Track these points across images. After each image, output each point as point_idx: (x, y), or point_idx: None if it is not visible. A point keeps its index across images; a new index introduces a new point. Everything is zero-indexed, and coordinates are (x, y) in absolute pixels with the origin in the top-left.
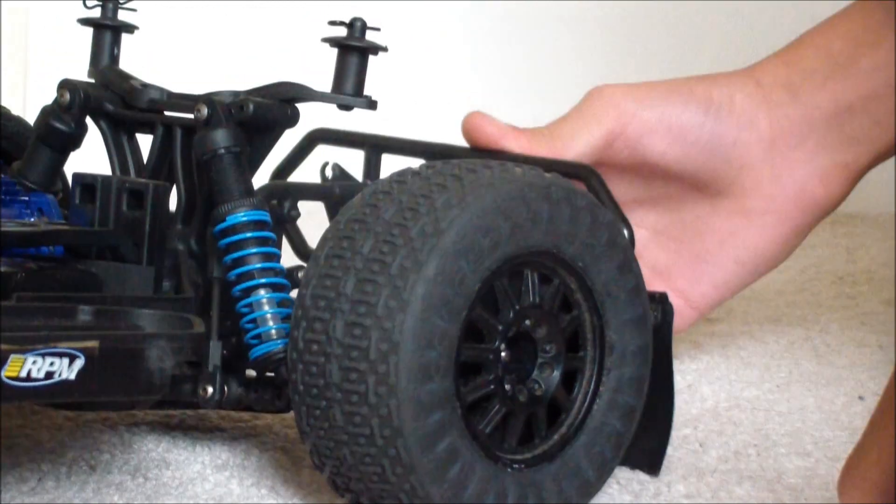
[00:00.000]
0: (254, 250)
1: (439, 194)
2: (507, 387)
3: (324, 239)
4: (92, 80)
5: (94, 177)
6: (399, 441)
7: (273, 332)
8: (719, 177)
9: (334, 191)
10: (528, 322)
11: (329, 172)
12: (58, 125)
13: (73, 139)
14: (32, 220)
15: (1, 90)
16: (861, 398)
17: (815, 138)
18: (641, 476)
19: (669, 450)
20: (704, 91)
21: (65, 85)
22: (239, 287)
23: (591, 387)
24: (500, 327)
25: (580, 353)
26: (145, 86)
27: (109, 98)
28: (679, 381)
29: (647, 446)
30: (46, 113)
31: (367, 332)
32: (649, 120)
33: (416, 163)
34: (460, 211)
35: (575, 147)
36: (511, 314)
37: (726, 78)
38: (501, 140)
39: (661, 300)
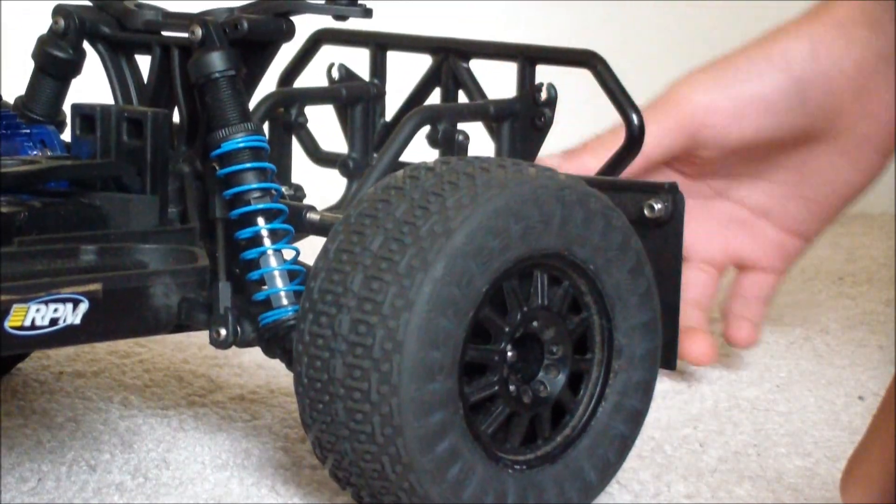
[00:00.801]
0: (254, 186)
1: (451, 193)
2: (512, 388)
3: (335, 231)
4: (87, 4)
5: (92, 107)
6: (399, 440)
7: (282, 295)
8: (815, 127)
9: (342, 92)
10: (535, 323)
11: (336, 74)
12: (55, 52)
13: (73, 65)
14: (34, 153)
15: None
16: (861, 398)
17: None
18: (641, 476)
19: (669, 449)
20: (781, 52)
21: (59, 11)
22: (242, 234)
23: (598, 390)
24: (507, 329)
25: (587, 355)
26: (140, 6)
27: (105, 21)
28: (679, 381)
29: None
30: (43, 41)
31: (371, 330)
32: (729, 108)
33: (423, 59)
34: (471, 211)
35: (654, 150)
36: (518, 316)
37: (802, 28)
38: (576, 159)
39: (671, 190)
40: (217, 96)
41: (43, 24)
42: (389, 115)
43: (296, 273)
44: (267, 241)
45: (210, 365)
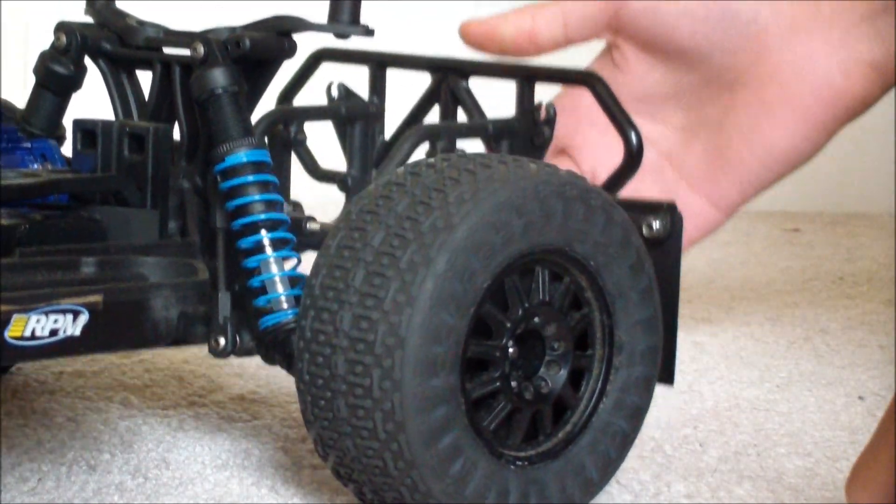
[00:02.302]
0: (257, 197)
1: (452, 189)
2: (514, 384)
3: (336, 228)
4: (89, 20)
5: (94, 122)
6: (401, 436)
7: (283, 299)
8: (737, 60)
9: (341, 110)
10: (537, 319)
11: (335, 92)
12: (57, 68)
13: (73, 81)
14: (35, 167)
15: (1, 89)
16: (861, 398)
17: (843, 29)
18: (642, 476)
19: (669, 449)
20: None
21: (61, 27)
22: (244, 243)
23: (599, 386)
24: (509, 324)
25: (588, 351)
26: (142, 24)
27: (107, 37)
28: (679, 381)
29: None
30: (45, 57)
31: (374, 326)
32: None
33: (422, 77)
34: (473, 207)
35: (581, 9)
36: (520, 311)
37: None
38: (499, 27)
39: (669, 210)
40: (220, 112)
41: (43, 26)
42: (389, 133)
43: (296, 279)
44: (269, 249)
45: (210, 365)
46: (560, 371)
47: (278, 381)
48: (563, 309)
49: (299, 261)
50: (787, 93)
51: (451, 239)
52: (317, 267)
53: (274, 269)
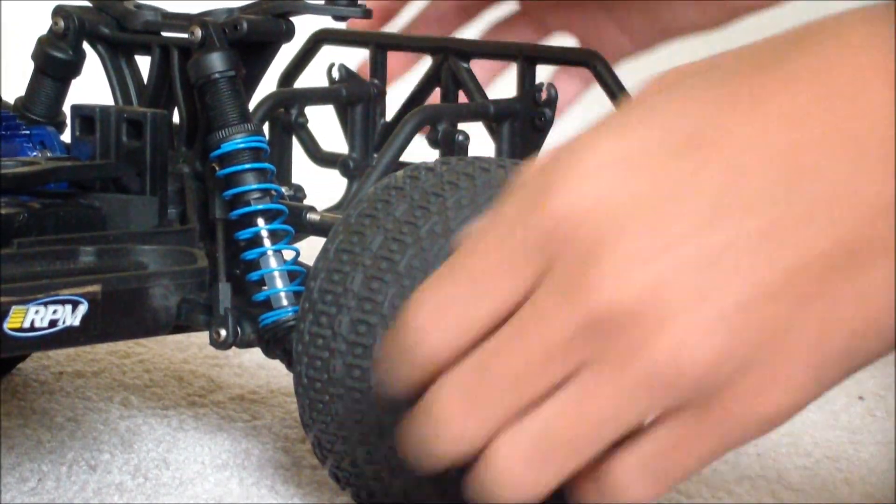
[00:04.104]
0: (254, 186)
1: (451, 193)
2: None
3: (335, 232)
4: (86, 4)
5: (92, 108)
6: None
7: (282, 296)
8: None
9: (342, 93)
10: None
11: (336, 74)
12: (55, 53)
13: (72, 66)
14: (34, 154)
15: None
16: (861, 398)
17: None
18: None
19: None
20: None
21: (58, 12)
22: (242, 235)
23: None
24: None
25: None
26: (140, 7)
27: (105, 21)
28: None
29: None
30: (43, 42)
31: (371, 330)
32: None
33: (422, 59)
34: (471, 212)
35: None
36: None
37: None
38: None
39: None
40: (216, 97)
41: (43, 24)
42: (390, 115)
43: (296, 274)
44: (267, 242)
45: (210, 365)
46: None
47: (278, 381)
48: None
49: (298, 253)
50: None
51: (449, 244)
52: (315, 271)
53: (272, 263)
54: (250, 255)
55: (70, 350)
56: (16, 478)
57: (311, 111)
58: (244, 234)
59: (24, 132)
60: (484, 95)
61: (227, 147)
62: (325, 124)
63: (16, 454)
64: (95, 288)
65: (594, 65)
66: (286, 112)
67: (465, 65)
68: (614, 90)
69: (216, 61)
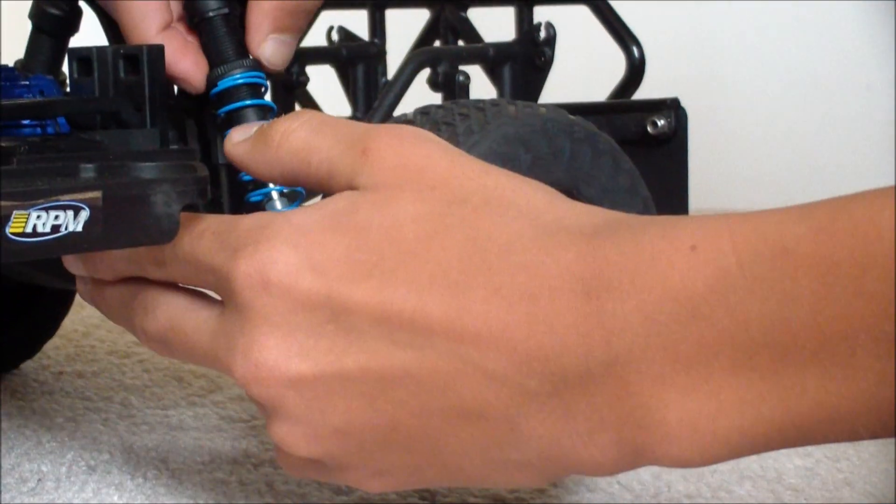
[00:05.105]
0: (256, 123)
1: (462, 122)
2: None
3: None
4: None
5: (88, 49)
6: None
7: None
8: None
9: (342, 52)
10: None
11: (335, 36)
12: (51, 10)
13: (69, 22)
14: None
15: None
16: None
17: None
18: (642, 476)
19: None
20: None
21: None
22: (245, 175)
23: None
24: None
25: None
26: None
27: None
28: None
29: None
30: (39, 0)
31: None
32: None
33: (421, 14)
34: (481, 137)
35: None
36: None
37: None
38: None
39: (672, 105)
40: (212, 35)
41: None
42: (391, 73)
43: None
44: (271, 182)
45: None
46: None
47: None
48: None
49: (303, 195)
50: None
51: None
52: None
53: (278, 205)
54: (255, 196)
55: (70, 350)
56: (16, 478)
57: (313, 76)
58: (248, 175)
59: (23, 83)
60: (482, 42)
61: (224, 83)
62: (325, 87)
63: (16, 455)
64: (96, 194)
65: (594, 3)
66: (287, 71)
67: (463, 14)
68: (615, 26)
69: (210, 0)
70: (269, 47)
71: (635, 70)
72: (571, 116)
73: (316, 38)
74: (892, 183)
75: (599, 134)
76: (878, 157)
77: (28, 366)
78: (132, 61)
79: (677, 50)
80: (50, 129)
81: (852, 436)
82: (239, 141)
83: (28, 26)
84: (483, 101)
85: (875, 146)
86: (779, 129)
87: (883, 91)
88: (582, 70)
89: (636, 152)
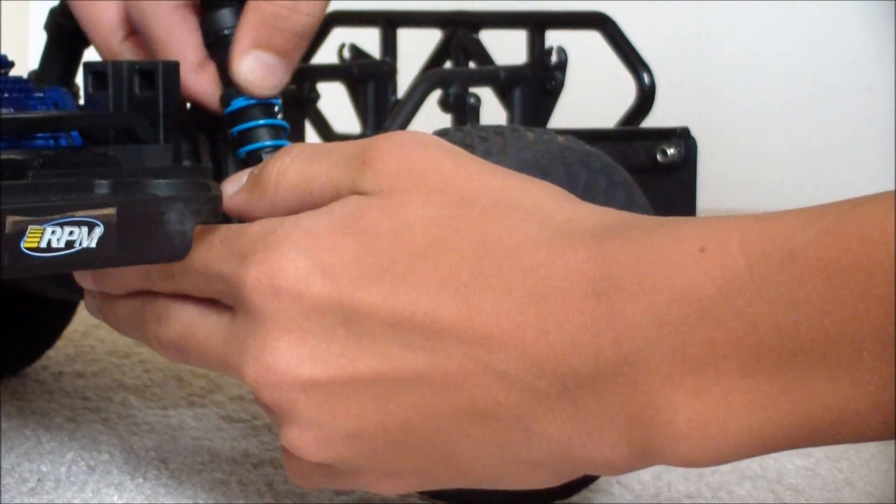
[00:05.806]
0: (268, 143)
1: (480, 145)
2: None
3: None
4: None
5: (104, 63)
6: None
7: None
8: None
9: (353, 70)
10: None
11: (346, 53)
12: (66, 23)
13: (84, 36)
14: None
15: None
16: None
17: None
18: (642, 476)
19: None
20: None
21: None
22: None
23: None
24: None
25: None
26: None
27: None
28: None
29: None
30: (55, 13)
31: None
32: None
33: (432, 33)
34: (499, 161)
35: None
36: None
37: None
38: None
39: (682, 134)
40: (227, 54)
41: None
42: (401, 92)
43: None
44: None
45: None
46: None
47: None
48: None
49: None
50: None
51: None
52: None
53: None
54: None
55: (70, 350)
56: (15, 478)
57: (324, 94)
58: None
59: (37, 94)
60: (494, 64)
61: (237, 104)
62: (336, 105)
63: (15, 455)
64: (111, 211)
65: (606, 28)
66: (298, 87)
67: (475, 35)
68: (626, 52)
69: (226, 17)
70: (246, 64)
71: (645, 97)
72: (588, 147)
73: (327, 55)
74: (892, 183)
75: (616, 166)
76: (878, 157)
77: (28, 366)
78: (147, 77)
79: (677, 50)
80: (63, 142)
81: (858, 437)
82: (233, 193)
83: (27, 27)
84: (503, 127)
85: (875, 146)
86: (779, 129)
87: (883, 91)
88: (589, 95)
89: (644, 180)
